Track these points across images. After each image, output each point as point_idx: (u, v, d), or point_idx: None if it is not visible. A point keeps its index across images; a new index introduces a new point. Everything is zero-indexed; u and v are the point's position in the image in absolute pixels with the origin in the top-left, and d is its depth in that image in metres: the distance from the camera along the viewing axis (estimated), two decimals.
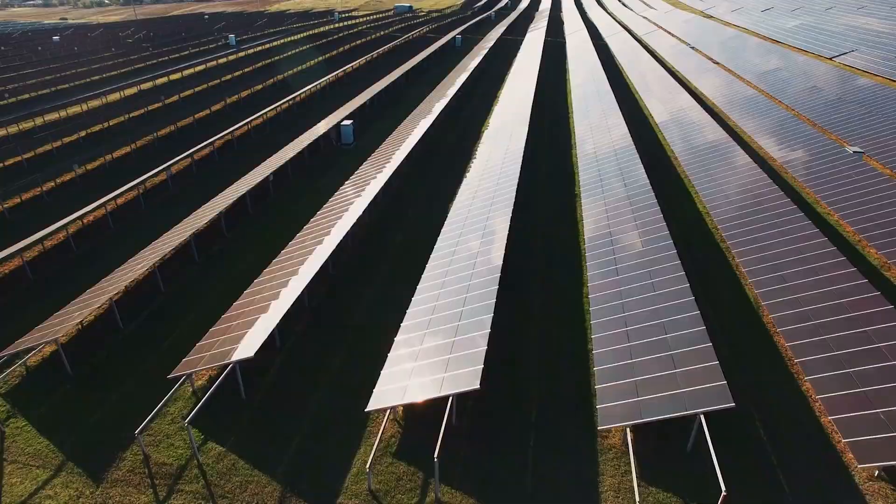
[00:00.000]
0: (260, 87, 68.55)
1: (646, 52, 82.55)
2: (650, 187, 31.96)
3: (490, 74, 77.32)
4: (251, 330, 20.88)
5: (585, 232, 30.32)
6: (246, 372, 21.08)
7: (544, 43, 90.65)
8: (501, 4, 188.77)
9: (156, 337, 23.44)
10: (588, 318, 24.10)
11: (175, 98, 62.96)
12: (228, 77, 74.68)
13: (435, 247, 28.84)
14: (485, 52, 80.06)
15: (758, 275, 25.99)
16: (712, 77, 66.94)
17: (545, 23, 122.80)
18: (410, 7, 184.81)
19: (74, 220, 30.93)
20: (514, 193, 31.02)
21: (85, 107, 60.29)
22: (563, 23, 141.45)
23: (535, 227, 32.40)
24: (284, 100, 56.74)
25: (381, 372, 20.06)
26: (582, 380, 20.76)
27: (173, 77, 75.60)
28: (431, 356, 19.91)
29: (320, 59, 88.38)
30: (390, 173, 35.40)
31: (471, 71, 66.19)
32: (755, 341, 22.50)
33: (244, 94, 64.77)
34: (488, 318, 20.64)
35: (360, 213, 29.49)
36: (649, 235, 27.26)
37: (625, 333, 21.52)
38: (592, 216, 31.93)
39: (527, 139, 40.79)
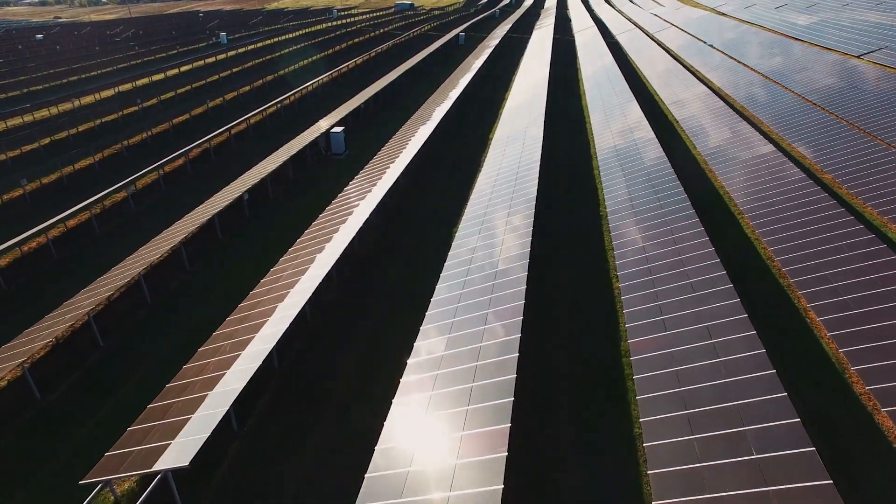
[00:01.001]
0: (248, 88, 63.50)
1: (661, 50, 77.33)
2: (694, 212, 26.88)
3: (496, 75, 72.15)
4: (195, 416, 15.85)
5: (618, 267, 25.20)
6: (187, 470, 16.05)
7: (553, 41, 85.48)
8: (505, 2, 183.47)
9: (80, 414, 18.42)
10: (631, 385, 19.04)
11: (153, 101, 57.93)
12: (215, 77, 69.62)
13: (436, 288, 23.74)
14: (490, 50, 74.91)
15: (838, 327, 20.90)
16: (735, 76, 61.71)
17: (552, 20, 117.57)
18: (411, 4, 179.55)
19: (10, 248, 25.99)
20: (531, 221, 25.92)
21: (55, 110, 55.34)
22: (570, 20, 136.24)
23: (557, 261, 27.31)
24: (271, 102, 51.70)
25: (365, 477, 15.00)
26: (632, 482, 15.69)
27: (156, 77, 70.59)
28: (433, 460, 14.83)
29: (315, 58, 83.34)
30: (385, 189, 30.34)
31: (475, 71, 61.07)
32: (851, 422, 17.37)
33: (229, 96, 59.69)
34: (507, 404, 15.57)
35: (347, 242, 24.46)
36: (701, 276, 22.20)
37: (685, 420, 16.41)
38: (625, 245, 26.80)
39: (542, 150, 35.66)
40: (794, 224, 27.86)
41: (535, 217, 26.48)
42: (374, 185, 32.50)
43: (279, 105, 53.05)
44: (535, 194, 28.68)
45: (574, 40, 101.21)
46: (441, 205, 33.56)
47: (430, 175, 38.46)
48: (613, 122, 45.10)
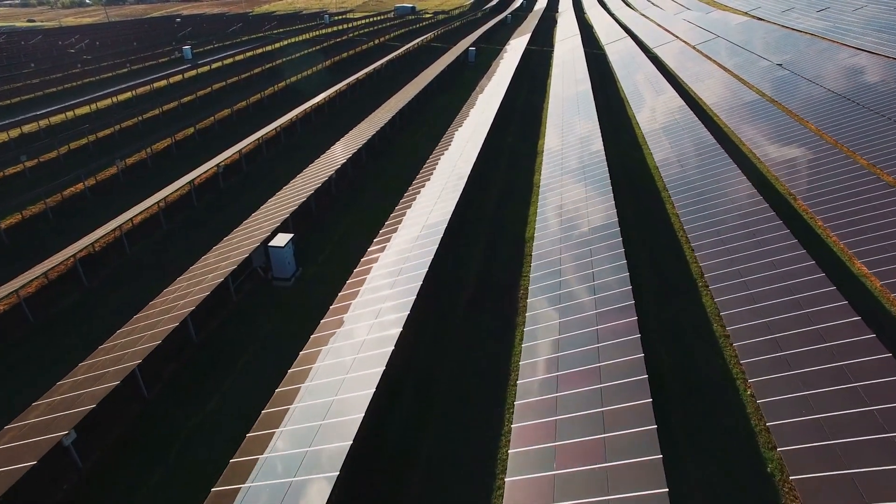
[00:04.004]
0: (191, 130, 47.52)
1: (724, 73, 61.03)
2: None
3: (520, 111, 56.02)
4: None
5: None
6: None
7: (580, 56, 69.39)
8: (516, 5, 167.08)
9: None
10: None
11: (53, 154, 42.01)
12: (156, 112, 53.67)
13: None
14: (508, 77, 58.62)
15: None
16: (850, 123, 45.30)
17: (576, 27, 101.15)
18: (413, 7, 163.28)
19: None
20: None
21: None
22: (592, 27, 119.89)
23: None
24: (206, 166, 35.62)
25: None
26: None
27: (81, 111, 54.66)
28: None
29: (289, 81, 67.22)
30: (370, 391, 14.62)
31: (493, 114, 44.84)
32: None
33: (160, 146, 43.71)
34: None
35: None
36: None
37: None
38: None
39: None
40: None
41: None
42: (345, 371, 16.64)
43: (218, 167, 36.98)
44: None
45: (605, 55, 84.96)
46: (463, 410, 17.57)
47: (440, 327, 22.44)
48: (707, 201, 28.68)
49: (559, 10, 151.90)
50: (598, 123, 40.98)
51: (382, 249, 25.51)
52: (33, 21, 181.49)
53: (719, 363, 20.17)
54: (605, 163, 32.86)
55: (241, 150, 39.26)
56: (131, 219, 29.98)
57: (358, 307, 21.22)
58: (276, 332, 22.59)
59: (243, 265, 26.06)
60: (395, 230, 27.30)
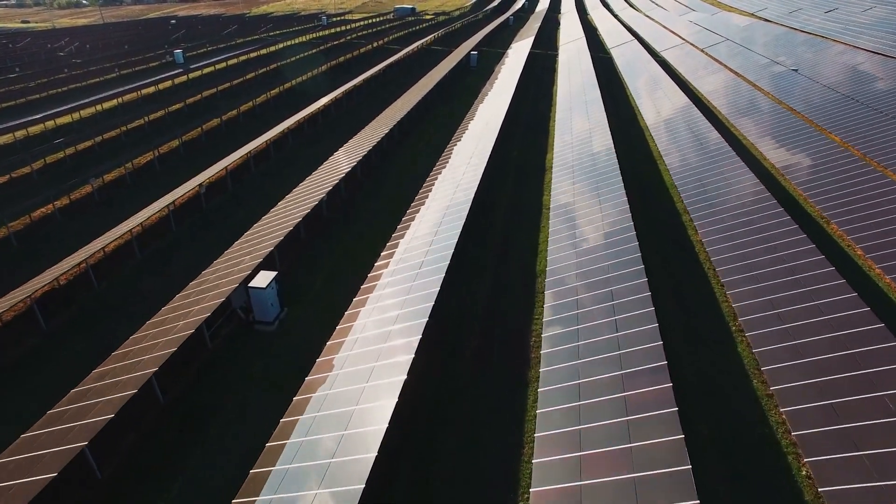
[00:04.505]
0: (177, 142, 44.71)
1: (738, 79, 58.24)
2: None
3: (525, 121, 53.22)
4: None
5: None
6: None
7: (586, 61, 66.60)
8: (518, 6, 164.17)
9: None
10: None
11: (27, 170, 39.18)
12: (140, 122, 50.88)
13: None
14: (512, 84, 55.81)
15: None
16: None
17: (580, 29, 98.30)
18: (413, 8, 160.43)
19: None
20: None
21: None
22: (596, 28, 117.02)
23: None
24: (184, 188, 32.78)
25: None
26: None
27: (61, 120, 51.85)
28: None
29: (280, 89, 64.41)
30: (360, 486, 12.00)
31: (497, 127, 42.02)
32: None
33: (140, 160, 40.92)
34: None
35: None
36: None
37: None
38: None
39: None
40: None
41: None
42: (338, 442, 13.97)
43: (201, 186, 34.15)
44: None
45: (611, 58, 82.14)
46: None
47: (443, 394, 19.67)
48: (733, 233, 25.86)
49: (562, 12, 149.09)
50: (610, 137, 38.16)
51: (373, 289, 22.70)
52: (27, 22, 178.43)
53: (766, 432, 17.41)
54: (622, 183, 30.05)
55: (226, 166, 36.41)
56: (103, 248, 27.20)
57: (347, 363, 18.44)
58: (256, 388, 19.81)
59: (220, 308, 23.26)
60: (387, 265, 24.51)
